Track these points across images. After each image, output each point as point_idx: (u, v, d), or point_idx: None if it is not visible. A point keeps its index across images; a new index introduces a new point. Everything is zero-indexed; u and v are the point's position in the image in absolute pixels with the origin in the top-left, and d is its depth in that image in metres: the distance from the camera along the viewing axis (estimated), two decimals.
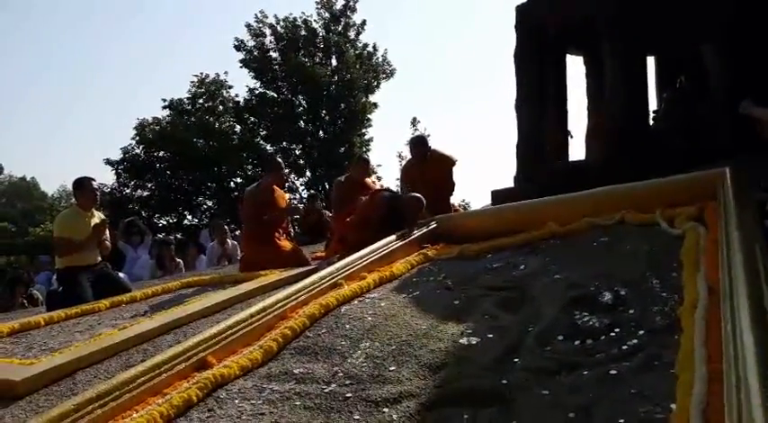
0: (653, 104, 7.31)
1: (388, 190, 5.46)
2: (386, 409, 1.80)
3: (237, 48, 21.13)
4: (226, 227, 8.53)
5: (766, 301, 1.71)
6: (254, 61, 20.94)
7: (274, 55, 21.24)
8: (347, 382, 2.03)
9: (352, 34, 21.83)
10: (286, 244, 5.33)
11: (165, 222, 20.71)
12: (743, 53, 5.83)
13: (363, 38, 22.00)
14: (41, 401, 2.31)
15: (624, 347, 1.97)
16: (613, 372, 1.81)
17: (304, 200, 17.61)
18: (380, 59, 21.95)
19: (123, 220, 9.39)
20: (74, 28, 73.65)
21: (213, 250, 7.84)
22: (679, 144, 6.04)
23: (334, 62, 21.47)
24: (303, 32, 21.24)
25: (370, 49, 21.84)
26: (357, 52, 21.57)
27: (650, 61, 7.63)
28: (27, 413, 2.20)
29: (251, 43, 21.17)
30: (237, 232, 10.00)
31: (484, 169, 37.55)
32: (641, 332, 2.05)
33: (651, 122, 6.87)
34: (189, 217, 21.17)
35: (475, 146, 47.82)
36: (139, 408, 1.98)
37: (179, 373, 2.20)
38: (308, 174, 21.51)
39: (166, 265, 7.31)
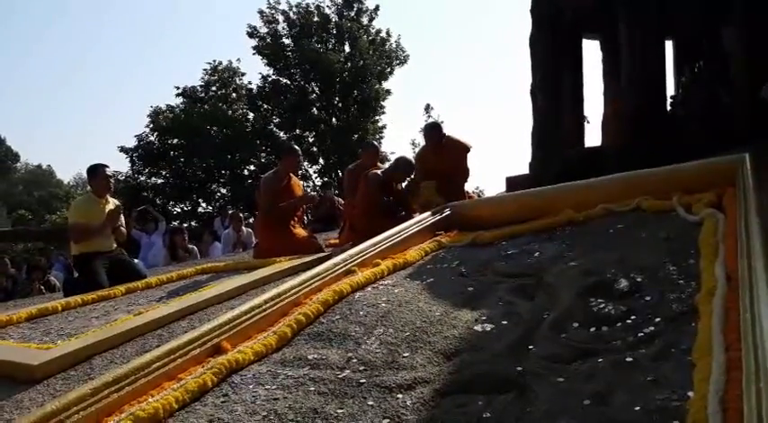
0: (671, 89, 7.21)
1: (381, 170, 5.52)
2: (400, 395, 1.80)
3: (250, 35, 21.11)
4: (241, 215, 8.58)
5: None
6: (267, 48, 20.91)
7: (287, 41, 21.20)
8: (361, 367, 2.03)
9: (365, 20, 21.72)
10: (300, 232, 5.35)
11: (179, 210, 20.87)
12: (763, 36, 5.72)
13: (376, 24, 21.89)
14: (59, 385, 2.34)
15: (640, 335, 1.95)
16: (629, 359, 1.79)
17: (318, 188, 17.65)
18: (394, 46, 21.83)
19: (136, 207, 9.47)
20: (87, 17, 73.93)
21: (228, 237, 7.89)
22: (697, 130, 5.96)
23: (347, 48, 21.38)
24: (316, 18, 21.15)
25: (383, 35, 21.73)
26: (370, 38, 21.45)
27: (668, 45, 7.51)
28: (44, 396, 2.23)
29: (264, 30, 21.15)
30: (251, 220, 10.06)
31: (498, 156, 37.43)
32: (658, 319, 2.02)
33: (669, 108, 6.77)
34: (203, 204, 21.31)
35: (489, 132, 47.60)
36: (155, 392, 1.99)
37: (194, 358, 2.21)
38: (321, 161, 21.52)
39: (179, 254, 7.37)
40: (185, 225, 16.75)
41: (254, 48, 21.05)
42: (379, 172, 5.52)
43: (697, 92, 6.87)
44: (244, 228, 8.03)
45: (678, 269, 2.42)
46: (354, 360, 2.10)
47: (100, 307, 3.81)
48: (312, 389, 1.93)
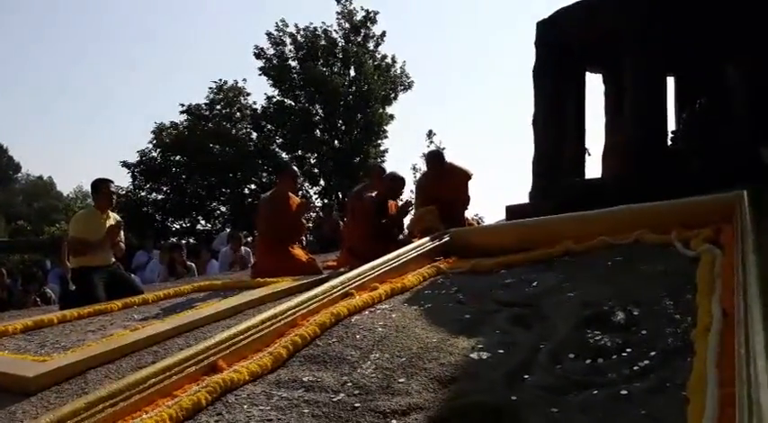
0: (672, 125, 7.27)
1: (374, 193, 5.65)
2: (394, 421, 1.80)
3: (257, 55, 21.31)
4: (241, 235, 8.60)
5: None
6: (273, 69, 21.11)
7: (293, 64, 21.40)
8: (356, 391, 2.03)
9: (371, 45, 21.95)
10: (300, 253, 5.35)
11: (178, 226, 20.85)
12: (765, 74, 5.79)
13: (382, 49, 22.11)
14: (53, 398, 2.33)
15: (636, 368, 1.96)
16: (624, 392, 1.80)
17: (317, 209, 17.67)
18: (399, 71, 22.03)
19: (137, 222, 9.51)
20: (94, 30, 74.76)
21: (226, 255, 7.89)
22: (697, 165, 6.00)
23: (352, 72, 21.57)
24: (323, 42, 21.38)
25: (388, 60, 21.94)
26: (376, 63, 21.66)
27: (670, 81, 7.60)
28: (38, 409, 2.23)
29: (270, 51, 21.36)
30: (250, 239, 10.07)
31: (498, 184, 37.42)
32: (653, 353, 2.03)
33: (670, 143, 6.83)
34: (202, 222, 21.30)
35: (490, 160, 47.69)
36: (149, 409, 1.99)
37: (189, 376, 2.21)
38: (322, 183, 21.58)
39: (177, 270, 7.36)
40: (183, 242, 16.71)
41: (261, 68, 21.24)
42: (373, 194, 5.57)
43: (698, 128, 6.93)
44: (242, 247, 8.04)
45: (675, 304, 2.44)
46: (349, 384, 2.10)
47: (96, 321, 3.80)
48: (306, 411, 1.93)
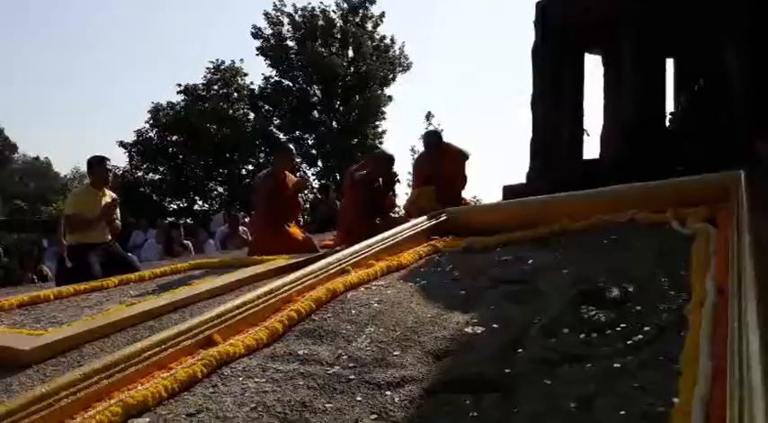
0: (670, 106, 7.26)
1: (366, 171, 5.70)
2: (388, 392, 1.81)
3: (255, 35, 21.18)
4: (239, 215, 8.62)
5: None
6: (271, 49, 20.99)
7: (291, 44, 21.28)
8: (351, 364, 2.05)
9: (369, 26, 21.81)
10: (296, 231, 5.36)
11: (175, 207, 20.85)
12: (764, 57, 5.77)
13: (381, 30, 21.98)
14: (49, 371, 2.34)
15: (629, 342, 1.96)
16: (617, 365, 1.81)
17: (315, 190, 17.67)
18: (397, 52, 21.93)
19: (135, 202, 9.51)
20: (89, 9, 73.97)
21: (223, 232, 7.91)
22: (695, 146, 6.00)
23: (350, 53, 21.46)
24: (321, 22, 21.24)
25: (387, 41, 21.82)
26: (374, 44, 21.54)
27: (669, 63, 7.57)
28: (34, 381, 2.23)
29: (268, 31, 21.22)
30: (247, 219, 10.08)
31: (496, 165, 37.41)
32: (647, 328, 2.04)
33: (668, 124, 6.82)
34: (199, 202, 21.31)
35: (488, 141, 47.64)
36: (145, 380, 2.00)
37: (185, 349, 2.22)
38: (319, 164, 21.55)
39: (174, 249, 7.38)
40: (181, 222, 16.73)
41: (258, 49, 21.12)
42: (364, 172, 5.58)
43: (696, 109, 6.93)
44: (240, 226, 8.05)
45: (669, 280, 2.45)
46: (344, 357, 2.12)
47: (92, 297, 3.81)
48: (301, 383, 1.94)
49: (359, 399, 1.79)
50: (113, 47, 69.63)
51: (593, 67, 8.54)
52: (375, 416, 1.69)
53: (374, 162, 5.71)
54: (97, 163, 4.96)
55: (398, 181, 6.04)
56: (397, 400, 1.76)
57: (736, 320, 1.66)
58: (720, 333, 1.75)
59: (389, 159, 5.74)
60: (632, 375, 1.73)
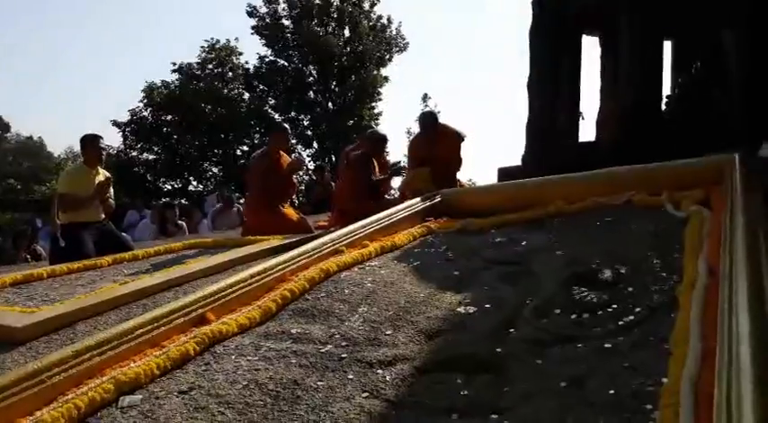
0: (668, 89, 7.24)
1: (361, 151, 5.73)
2: (380, 371, 1.82)
3: (250, 14, 20.96)
4: (233, 196, 8.60)
5: (765, 283, 1.70)
6: (266, 28, 20.79)
7: (287, 23, 21.07)
8: (343, 343, 2.05)
9: (366, 5, 21.60)
10: (291, 212, 5.35)
11: (169, 187, 20.77)
12: (761, 39, 5.74)
13: (378, 9, 21.78)
14: (41, 348, 2.34)
15: (620, 323, 1.97)
16: (608, 346, 1.82)
17: (311, 171, 17.61)
18: (394, 32, 21.75)
19: (129, 182, 9.47)
20: None
21: (216, 213, 7.89)
22: (691, 129, 6.00)
23: (347, 33, 21.28)
24: (317, 1, 21.01)
25: (384, 21, 21.63)
26: (371, 24, 21.37)
27: (667, 46, 7.53)
28: (27, 358, 2.23)
29: (264, 9, 20.99)
30: (242, 200, 10.06)
31: (493, 149, 37.30)
32: (638, 309, 2.05)
33: (665, 107, 6.81)
34: (194, 183, 21.23)
35: (484, 124, 47.47)
36: (137, 358, 2.00)
37: (177, 327, 2.22)
38: (315, 145, 21.46)
39: (168, 228, 7.36)
40: (176, 203, 16.68)
41: (253, 27, 20.93)
42: (359, 152, 5.58)
43: (693, 92, 6.90)
44: (234, 206, 8.04)
45: (662, 262, 2.45)
46: (337, 336, 2.12)
47: (86, 276, 3.80)
48: (293, 361, 1.94)
49: (350, 377, 1.80)
50: (107, 26, 68.85)
51: (591, 49, 8.49)
52: (366, 394, 1.69)
53: (368, 141, 5.72)
54: (90, 141, 4.92)
55: (403, 168, 6.03)
56: (388, 378, 1.77)
57: (726, 301, 1.66)
58: (711, 314, 1.76)
59: (382, 138, 5.77)
60: (623, 355, 1.74)
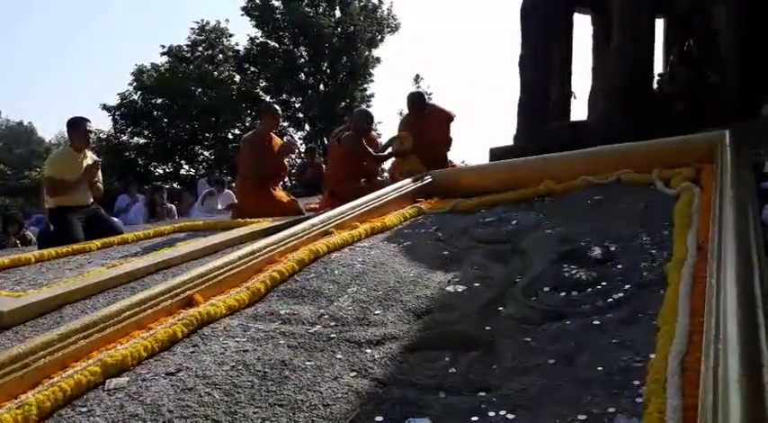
0: (660, 67, 7.20)
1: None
2: (368, 350, 1.81)
3: None
4: (225, 179, 8.55)
5: (753, 258, 1.70)
6: (256, 9, 20.49)
7: (277, 3, 20.77)
8: (332, 323, 2.04)
9: None
10: (282, 194, 5.31)
11: (161, 171, 20.60)
12: (755, 18, 5.70)
13: None
14: (27, 332, 2.32)
15: (609, 300, 1.97)
16: (597, 322, 1.82)
17: (302, 154, 17.51)
18: (385, 13, 21.51)
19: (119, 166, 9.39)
20: None
21: (206, 192, 7.85)
22: (683, 107, 5.98)
23: (338, 13, 21.03)
24: None
25: (374, 1, 21.37)
26: (362, 4, 21.11)
27: (659, 23, 7.48)
28: (12, 342, 2.21)
29: None
30: (233, 184, 10.00)
31: (486, 129, 37.23)
32: (627, 286, 2.05)
33: (657, 85, 6.78)
34: (186, 166, 21.05)
35: (476, 103, 47.31)
36: (124, 340, 1.98)
37: (165, 309, 2.20)
38: (307, 127, 21.31)
39: (158, 211, 7.32)
40: (167, 187, 16.59)
41: (243, 8, 20.62)
42: (348, 134, 5.54)
43: (685, 70, 6.87)
44: (225, 190, 7.99)
45: (652, 240, 2.45)
46: (326, 316, 2.11)
47: (74, 260, 3.77)
48: (282, 342, 1.93)
49: (339, 357, 1.79)
50: (98, 8, 67.82)
51: (583, 26, 8.43)
52: (354, 373, 1.69)
53: (354, 118, 5.72)
54: (77, 124, 4.84)
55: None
56: (377, 357, 1.76)
57: (714, 277, 1.66)
58: (699, 290, 1.76)
59: (368, 114, 5.77)
60: (611, 332, 1.74)
